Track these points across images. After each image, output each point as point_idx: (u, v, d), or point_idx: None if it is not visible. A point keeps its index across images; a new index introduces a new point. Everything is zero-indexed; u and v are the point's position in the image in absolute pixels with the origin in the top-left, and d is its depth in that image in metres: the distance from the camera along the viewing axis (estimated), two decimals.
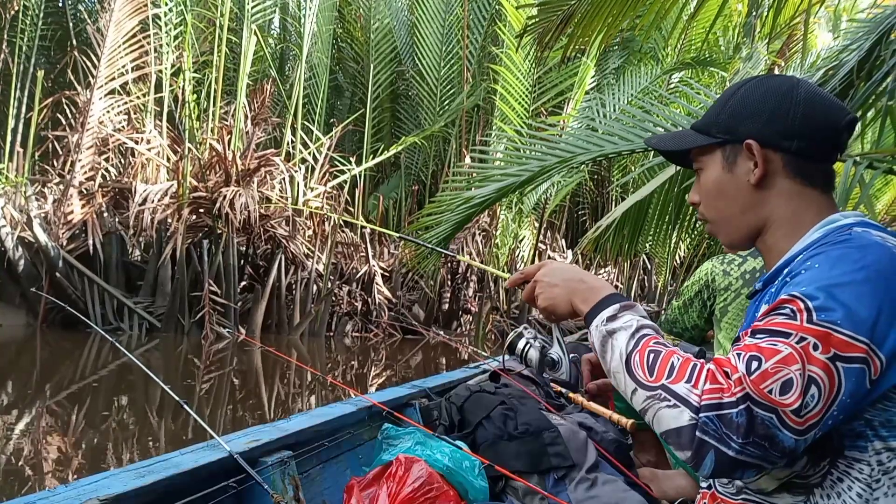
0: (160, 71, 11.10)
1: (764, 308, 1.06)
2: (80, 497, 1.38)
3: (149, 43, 10.85)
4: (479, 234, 12.26)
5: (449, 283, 12.51)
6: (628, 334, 1.09)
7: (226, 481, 1.68)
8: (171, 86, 11.26)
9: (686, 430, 0.96)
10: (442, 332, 11.47)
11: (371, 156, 12.55)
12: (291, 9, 13.66)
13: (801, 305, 0.98)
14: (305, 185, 11.21)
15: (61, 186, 10.28)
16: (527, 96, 11.00)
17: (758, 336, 1.00)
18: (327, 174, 11.76)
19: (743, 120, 1.16)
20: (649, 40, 12.06)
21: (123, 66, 10.67)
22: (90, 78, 10.54)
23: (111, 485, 1.45)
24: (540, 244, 12.80)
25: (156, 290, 10.31)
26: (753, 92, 1.17)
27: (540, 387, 2.87)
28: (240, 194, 10.11)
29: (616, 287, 13.94)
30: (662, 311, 12.50)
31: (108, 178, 10.84)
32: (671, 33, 11.70)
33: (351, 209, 12.10)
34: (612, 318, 1.12)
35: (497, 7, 12.08)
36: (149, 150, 10.83)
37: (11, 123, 11.20)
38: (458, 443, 2.14)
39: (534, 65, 10.76)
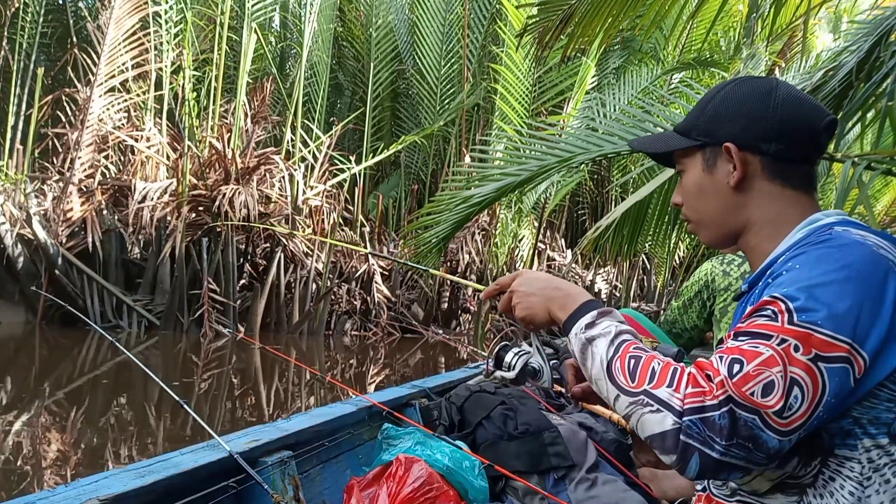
0: (160, 69, 11.09)
1: (749, 310, 1.06)
2: (80, 497, 1.37)
3: (149, 40, 10.84)
4: (479, 233, 12.26)
5: (448, 282, 12.50)
6: (608, 341, 1.09)
7: (226, 481, 1.68)
8: (171, 83, 11.25)
9: (670, 434, 0.97)
10: (441, 332, 11.47)
11: (371, 154, 12.55)
12: (292, 7, 13.65)
13: (783, 307, 0.98)
14: (305, 184, 11.20)
15: (61, 184, 10.28)
16: (527, 96, 11.00)
17: (740, 339, 1.00)
18: (327, 173, 11.75)
19: (722, 123, 1.17)
20: (650, 40, 12.07)
21: (123, 64, 10.66)
22: (90, 75, 10.53)
23: (111, 485, 1.45)
24: (539, 244, 12.80)
25: (155, 287, 10.30)
26: (732, 95, 1.18)
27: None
28: (239, 192, 10.11)
29: (615, 287, 14.06)
30: (662, 312, 12.52)
31: (107, 176, 10.83)
32: (671, 33, 11.71)
33: (350, 208, 12.10)
34: (590, 325, 1.13)
35: (497, 6, 12.08)
36: (148, 147, 10.82)
37: (11, 120, 11.19)
38: (458, 443, 2.14)
39: (534, 64, 10.76)
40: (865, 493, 1.02)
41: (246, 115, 11.22)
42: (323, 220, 11.17)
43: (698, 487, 1.26)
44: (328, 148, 11.68)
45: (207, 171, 10.58)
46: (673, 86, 11.74)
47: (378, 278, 11.65)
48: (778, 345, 0.96)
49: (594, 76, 11.69)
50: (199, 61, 11.80)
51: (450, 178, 11.81)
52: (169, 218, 10.18)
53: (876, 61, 3.05)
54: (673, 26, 9.80)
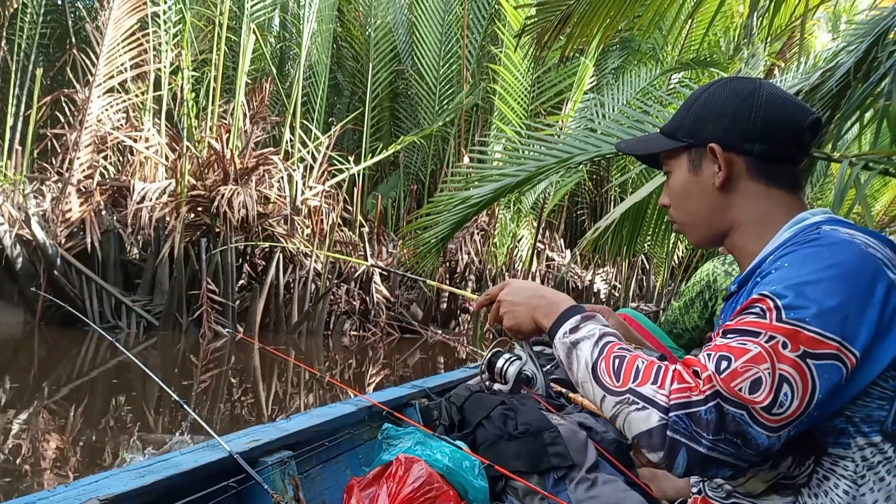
0: (159, 69, 11.09)
1: (738, 309, 1.07)
2: (80, 497, 1.37)
3: (148, 41, 10.84)
4: (478, 233, 12.27)
5: (447, 282, 12.50)
6: (592, 343, 1.10)
7: (226, 481, 1.68)
8: (169, 84, 11.25)
9: (657, 431, 0.97)
10: (440, 332, 11.47)
11: (370, 155, 12.54)
12: (291, 7, 13.65)
13: (771, 304, 0.99)
14: (304, 184, 11.20)
15: (59, 184, 10.27)
16: (526, 96, 11.00)
17: (728, 336, 1.01)
18: (326, 173, 11.75)
19: (706, 123, 1.18)
20: (649, 40, 12.06)
21: (122, 65, 10.66)
22: (89, 76, 10.53)
23: (111, 485, 1.45)
24: (538, 244, 12.80)
25: (154, 288, 10.30)
26: (716, 95, 1.19)
27: None
28: (238, 193, 10.11)
29: (614, 287, 14.05)
30: (661, 311, 12.53)
31: (106, 177, 10.83)
32: (669, 32, 11.71)
33: (349, 208, 12.10)
34: (574, 330, 1.14)
35: (496, 6, 12.08)
36: (147, 148, 10.82)
37: (10, 121, 11.18)
38: (458, 443, 2.14)
39: (532, 64, 10.76)
40: (860, 492, 1.03)
41: (245, 115, 11.22)
42: (322, 220, 11.17)
43: (694, 490, 1.26)
44: (327, 148, 11.68)
45: (206, 171, 10.58)
46: (672, 86, 11.74)
47: (377, 278, 11.65)
48: (766, 342, 0.96)
49: (593, 76, 11.69)
50: (198, 62, 11.79)
51: (449, 178, 11.81)
52: (168, 218, 10.18)
53: (873, 61, 3.05)
54: (671, 26, 9.80)
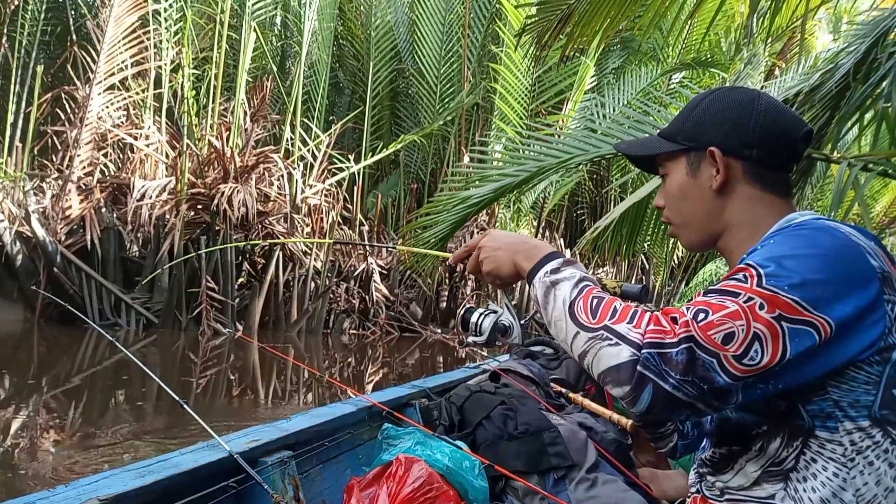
0: (159, 67, 11.08)
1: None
2: (80, 497, 1.37)
3: (148, 39, 10.83)
4: (478, 232, 12.26)
5: (447, 281, 12.51)
6: (571, 284, 1.14)
7: (226, 481, 1.68)
8: (170, 82, 11.24)
9: (626, 366, 1.01)
10: (439, 331, 11.48)
11: (370, 153, 12.54)
12: (292, 6, 13.63)
13: (753, 272, 1.03)
14: (304, 183, 11.20)
15: (59, 182, 10.27)
16: (526, 95, 11.00)
17: (709, 294, 1.05)
18: (326, 171, 11.74)
19: (707, 128, 1.23)
20: (650, 40, 12.06)
21: (123, 62, 10.65)
22: (89, 73, 10.52)
23: (111, 485, 1.45)
24: None
25: (153, 286, 10.31)
26: (717, 102, 1.24)
27: (540, 387, 2.87)
28: (238, 191, 10.11)
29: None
30: None
31: (106, 174, 10.83)
32: (670, 32, 11.71)
33: (349, 207, 12.10)
34: (555, 271, 1.18)
35: (497, 6, 12.07)
36: (147, 146, 10.82)
37: (11, 118, 11.18)
38: (458, 443, 2.13)
39: (533, 64, 10.76)
40: (850, 475, 1.05)
41: (245, 113, 11.22)
42: (322, 218, 11.17)
43: (692, 489, 1.29)
44: (327, 147, 11.68)
45: (206, 169, 10.58)
46: (672, 87, 11.74)
47: (377, 277, 11.65)
48: (744, 302, 1.00)
49: (593, 76, 11.69)
50: (199, 60, 11.79)
51: (449, 177, 11.81)
52: (167, 216, 10.18)
53: (873, 63, 3.05)
54: (671, 26, 9.80)
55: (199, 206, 10.37)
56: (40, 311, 9.80)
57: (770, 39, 11.96)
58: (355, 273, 11.61)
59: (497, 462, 2.14)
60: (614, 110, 9.24)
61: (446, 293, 12.48)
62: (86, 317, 3.25)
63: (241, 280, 10.76)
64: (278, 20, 14.20)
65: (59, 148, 10.69)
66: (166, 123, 11.12)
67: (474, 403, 2.49)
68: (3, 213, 9.56)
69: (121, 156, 11.29)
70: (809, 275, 1.01)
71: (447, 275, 12.42)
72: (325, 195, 11.36)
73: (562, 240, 14.33)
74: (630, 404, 1.02)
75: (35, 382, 6.89)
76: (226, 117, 11.39)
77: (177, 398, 1.99)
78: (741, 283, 1.03)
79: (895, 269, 1.08)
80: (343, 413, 2.31)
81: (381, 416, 2.45)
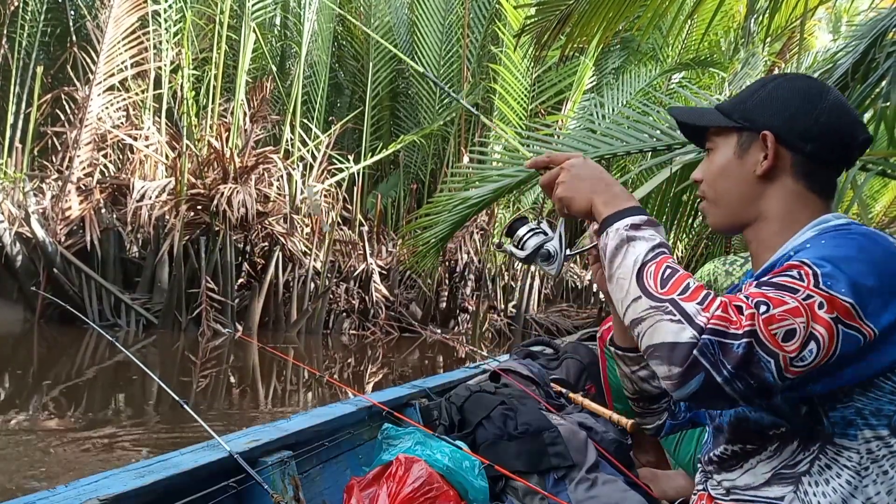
0: (159, 67, 11.08)
1: (772, 272, 1.07)
2: (79, 497, 1.37)
3: (148, 39, 10.83)
4: (478, 232, 12.27)
5: (447, 281, 12.51)
6: (649, 246, 1.07)
7: (226, 481, 1.68)
8: (169, 82, 11.24)
9: (683, 347, 0.96)
10: (439, 331, 11.48)
11: (370, 154, 12.54)
12: (292, 6, 13.64)
13: (808, 270, 1.00)
14: (303, 183, 11.20)
15: (59, 182, 10.27)
16: (525, 96, 10.99)
17: (764, 287, 1.01)
18: (325, 172, 11.74)
19: (766, 112, 1.18)
20: (649, 40, 12.06)
21: (122, 63, 10.65)
22: (89, 74, 10.52)
23: (111, 485, 1.45)
24: None
25: (153, 286, 10.30)
26: (783, 88, 1.19)
27: (540, 387, 2.88)
28: (237, 191, 10.11)
29: None
30: None
31: (106, 175, 10.82)
32: (669, 31, 11.70)
33: (349, 207, 12.10)
34: (636, 227, 1.10)
35: (497, 6, 12.07)
36: (147, 146, 10.81)
37: (10, 119, 11.18)
38: (458, 443, 2.14)
39: (532, 64, 10.75)
40: (863, 483, 1.04)
41: (245, 114, 11.22)
42: (321, 219, 11.17)
43: (698, 487, 1.27)
44: (327, 147, 11.68)
45: (206, 170, 10.58)
46: (671, 87, 11.74)
47: (376, 277, 11.65)
48: (804, 299, 0.97)
49: (593, 76, 11.70)
50: (199, 60, 11.79)
51: (448, 178, 11.81)
52: (167, 217, 10.18)
53: (871, 63, 3.05)
54: (670, 26, 9.80)
55: (199, 207, 10.37)
56: (40, 312, 9.80)
57: (769, 39, 11.96)
58: (355, 273, 11.61)
59: (497, 462, 2.15)
60: (613, 110, 9.24)
61: (446, 293, 12.49)
62: (85, 318, 3.25)
63: (240, 280, 10.76)
64: (278, 21, 14.20)
65: (59, 149, 10.69)
66: (166, 124, 11.12)
67: (474, 403, 2.49)
68: (2, 213, 9.56)
69: (120, 156, 11.29)
70: (862, 280, 0.99)
71: (447, 275, 12.42)
72: (325, 195, 11.36)
73: None
74: (673, 387, 0.98)
75: (35, 383, 6.89)
76: (225, 118, 11.39)
77: (176, 398, 1.99)
78: (797, 280, 0.99)
79: None
80: (343, 413, 2.31)
81: (381, 416, 2.45)
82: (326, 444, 2.17)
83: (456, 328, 12.43)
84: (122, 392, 6.84)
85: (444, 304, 12.43)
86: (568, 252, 1.34)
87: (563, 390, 2.96)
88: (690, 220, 4.72)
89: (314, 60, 12.51)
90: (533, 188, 10.41)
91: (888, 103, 2.87)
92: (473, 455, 2.10)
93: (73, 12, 12.79)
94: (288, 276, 11.01)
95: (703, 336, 0.95)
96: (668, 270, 1.03)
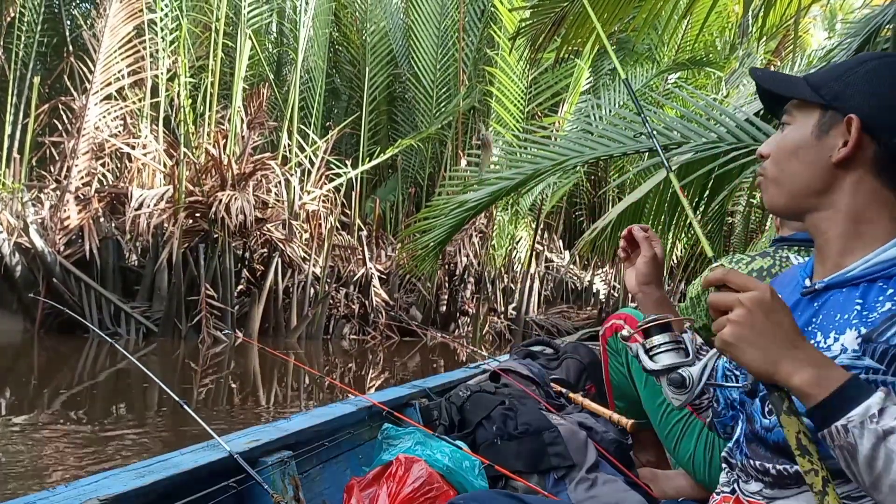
0: (156, 76, 11.09)
1: (848, 315, 1.01)
2: (80, 497, 1.38)
3: (144, 48, 10.84)
4: (476, 235, 12.28)
5: (446, 284, 12.51)
6: None
7: (226, 481, 1.68)
8: (166, 90, 11.25)
9: None
10: (440, 333, 11.48)
11: (367, 158, 12.56)
12: (288, 13, 13.67)
13: None
14: (302, 189, 11.21)
15: (58, 192, 10.27)
16: (522, 98, 11.01)
17: None
18: (323, 177, 11.76)
19: (857, 94, 1.07)
20: (645, 41, 12.08)
21: (119, 72, 10.66)
22: (86, 83, 10.53)
23: (111, 485, 1.45)
24: (537, 245, 12.82)
25: (152, 294, 10.30)
26: (881, 71, 1.08)
27: (540, 387, 2.88)
28: (235, 198, 10.12)
29: (613, 287, 14.06)
30: None
31: (104, 184, 10.83)
32: (664, 31, 11.73)
33: (348, 212, 12.11)
34: (882, 412, 0.88)
35: (492, 9, 12.10)
36: (145, 154, 10.83)
37: (8, 129, 11.19)
38: (458, 443, 2.14)
39: (528, 66, 10.78)
40: None
41: (242, 120, 11.23)
42: (320, 224, 11.18)
43: (724, 488, 1.20)
44: (325, 152, 11.70)
45: (204, 177, 10.58)
46: (667, 88, 11.76)
47: (376, 282, 11.66)
48: None
49: (589, 78, 11.72)
50: (195, 68, 11.80)
51: (446, 181, 11.82)
52: (166, 224, 10.19)
53: None
54: (665, 25, 9.83)
55: (198, 214, 10.37)
56: (40, 321, 9.79)
57: (765, 38, 11.99)
58: (354, 278, 11.62)
59: (497, 462, 2.15)
60: (610, 112, 9.26)
61: (446, 297, 12.49)
62: (87, 322, 3.25)
63: (240, 287, 10.76)
64: (274, 27, 14.22)
65: (57, 158, 10.69)
66: (163, 132, 11.13)
67: (474, 403, 2.50)
68: (1, 224, 9.56)
69: (118, 165, 11.30)
70: None
71: (446, 278, 12.42)
72: (323, 201, 11.37)
73: (560, 241, 14.34)
74: None
75: (35, 391, 6.88)
76: (223, 125, 11.40)
77: (176, 398, 2.00)
78: None
79: None
80: (343, 413, 2.31)
81: (381, 416, 2.45)
82: (326, 444, 2.17)
83: (456, 331, 12.42)
84: (122, 398, 6.84)
85: (444, 308, 12.43)
86: (704, 382, 1.11)
87: (563, 390, 2.96)
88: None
89: (310, 66, 12.53)
90: (531, 190, 10.43)
91: None
92: (473, 455, 2.10)
93: (69, 22, 12.82)
94: (287, 281, 11.02)
95: None
96: None
